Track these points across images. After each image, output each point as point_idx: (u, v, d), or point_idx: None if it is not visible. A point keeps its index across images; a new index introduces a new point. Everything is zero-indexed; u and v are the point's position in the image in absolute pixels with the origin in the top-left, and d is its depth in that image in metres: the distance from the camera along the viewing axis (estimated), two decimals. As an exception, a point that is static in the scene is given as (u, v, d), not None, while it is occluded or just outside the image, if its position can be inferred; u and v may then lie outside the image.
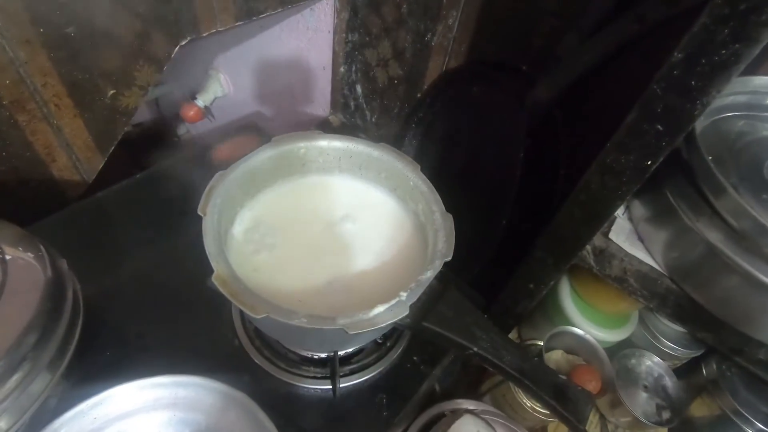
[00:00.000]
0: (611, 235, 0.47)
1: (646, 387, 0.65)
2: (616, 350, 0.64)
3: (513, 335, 0.69)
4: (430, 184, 0.49)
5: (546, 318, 0.65)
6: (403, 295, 0.39)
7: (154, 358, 0.46)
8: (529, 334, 0.67)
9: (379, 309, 0.38)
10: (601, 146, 0.41)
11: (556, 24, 0.58)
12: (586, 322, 0.61)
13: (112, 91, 0.60)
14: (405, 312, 0.38)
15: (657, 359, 0.66)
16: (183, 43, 0.64)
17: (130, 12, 0.56)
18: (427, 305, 0.41)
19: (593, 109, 0.49)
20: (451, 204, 0.46)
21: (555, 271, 0.47)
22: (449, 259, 0.42)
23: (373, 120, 0.96)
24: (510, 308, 0.56)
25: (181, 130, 1.47)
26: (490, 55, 0.69)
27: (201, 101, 1.23)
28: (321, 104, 1.05)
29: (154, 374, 0.42)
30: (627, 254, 0.46)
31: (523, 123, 0.54)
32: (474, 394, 0.59)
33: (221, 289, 0.36)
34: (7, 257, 0.38)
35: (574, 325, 0.61)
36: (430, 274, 0.41)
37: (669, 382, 0.64)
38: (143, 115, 1.42)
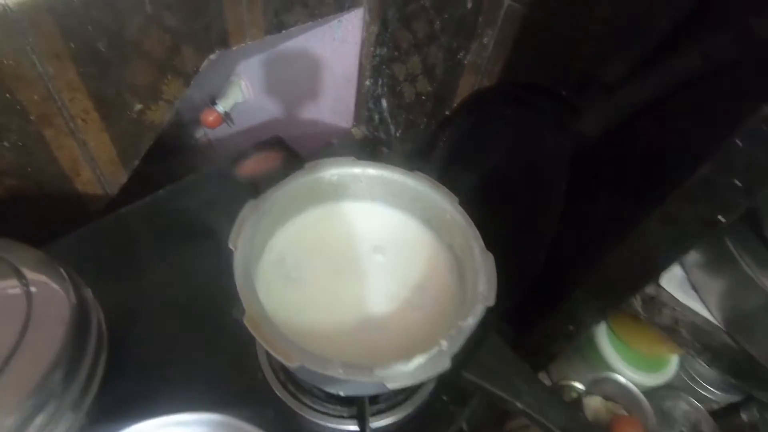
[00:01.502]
0: (662, 282, 0.44)
1: (683, 433, 0.62)
2: (650, 391, 0.61)
3: (542, 373, 0.66)
4: (469, 219, 0.47)
5: (580, 356, 0.62)
6: (444, 344, 0.37)
7: (175, 390, 0.45)
8: (561, 372, 0.64)
9: (419, 360, 0.35)
10: (652, 189, 0.38)
11: (600, 48, 0.55)
12: (624, 364, 0.59)
13: (139, 106, 0.58)
14: (447, 365, 0.35)
15: (695, 403, 0.62)
16: (212, 56, 0.62)
17: (161, 26, 0.54)
18: (467, 352, 0.39)
19: (642, 147, 0.46)
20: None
21: (599, 316, 0.45)
22: (492, 304, 0.40)
23: (398, 135, 0.94)
24: (544, 347, 0.53)
25: (199, 133, 1.46)
26: (526, 77, 0.66)
27: (221, 107, 1.21)
28: (344, 116, 1.03)
29: (175, 410, 0.40)
30: (679, 303, 0.43)
31: (566, 153, 0.51)
32: (500, 432, 0.57)
33: (253, 333, 0.34)
34: (32, 289, 0.37)
35: (610, 366, 0.58)
36: (471, 321, 0.38)
37: (707, 428, 0.61)
38: (162, 117, 1.40)
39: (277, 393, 0.47)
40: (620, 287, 0.41)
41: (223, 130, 1.36)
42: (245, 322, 0.35)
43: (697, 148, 0.33)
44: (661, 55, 0.44)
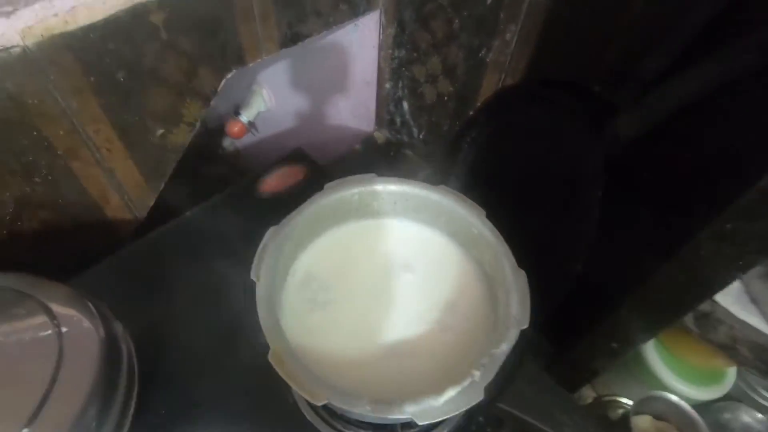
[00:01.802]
0: (717, 297, 0.40)
1: (742, 447, 0.57)
2: (705, 404, 0.57)
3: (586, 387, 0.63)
4: (498, 234, 0.44)
5: (626, 370, 0.59)
6: (476, 374, 0.35)
7: (206, 420, 0.45)
8: (607, 386, 0.61)
9: (450, 393, 0.34)
10: (701, 199, 0.35)
11: (636, 39, 0.51)
12: (675, 378, 0.55)
13: (161, 131, 0.59)
14: (480, 397, 0.34)
15: (756, 414, 0.58)
16: (228, 75, 0.62)
17: (177, 51, 0.54)
18: (502, 381, 0.37)
19: (687, 151, 0.42)
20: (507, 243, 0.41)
21: (646, 334, 0.42)
22: (526, 326, 0.38)
23: (421, 137, 0.91)
24: (585, 363, 0.50)
25: (226, 142, 1.49)
26: (553, 74, 0.62)
27: (245, 117, 1.22)
28: (366, 120, 1.01)
29: (208, 440, 0.41)
30: (737, 320, 0.39)
31: (600, 156, 0.48)
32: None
33: (279, 371, 0.34)
34: (63, 328, 0.37)
35: (660, 380, 0.55)
36: (505, 348, 0.36)
37: (769, 441, 0.57)
38: (189, 130, 1.43)
39: (308, 418, 0.46)
40: (669, 306, 0.38)
41: (249, 139, 1.37)
42: (270, 359, 0.34)
43: (755, 155, 0.29)
44: (710, 45, 0.39)
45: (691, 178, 0.41)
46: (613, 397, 0.58)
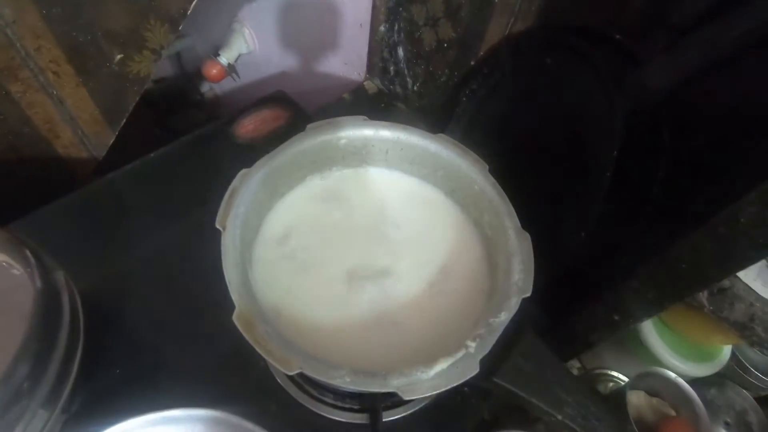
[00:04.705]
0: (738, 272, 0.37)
1: (728, 424, 0.56)
2: (693, 380, 0.55)
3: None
4: (502, 191, 0.39)
5: (619, 342, 0.56)
6: (471, 346, 0.31)
7: (167, 384, 0.40)
8: (594, 359, 0.58)
9: (442, 366, 0.30)
10: (737, 160, 0.30)
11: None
12: (671, 353, 0.52)
13: (119, 56, 0.51)
14: (475, 370, 0.30)
15: (743, 391, 0.56)
16: (201, -4, 0.54)
17: (137, -43, 0.46)
18: (499, 354, 0.33)
19: (722, 109, 0.37)
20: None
21: (655, 308, 0.38)
22: (528, 294, 0.34)
23: (415, 88, 0.84)
24: (582, 335, 0.47)
25: (204, 87, 1.39)
26: (570, 18, 0.56)
27: (224, 58, 1.12)
28: (356, 67, 0.93)
29: (166, 406, 0.36)
30: (759, 297, 0.36)
31: (620, 112, 0.43)
32: (525, 421, 0.52)
33: (245, 334, 0.29)
34: (-11, 276, 0.32)
35: (654, 355, 0.52)
36: (504, 317, 0.32)
37: (754, 418, 0.56)
38: (165, 70, 1.33)
39: (281, 383, 0.42)
40: (689, 279, 0.34)
41: (229, 84, 1.28)
42: (234, 319, 0.29)
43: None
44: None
45: (725, 140, 0.36)
46: (603, 371, 0.56)
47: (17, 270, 0.34)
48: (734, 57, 0.38)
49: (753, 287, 0.37)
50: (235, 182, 0.35)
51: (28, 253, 0.35)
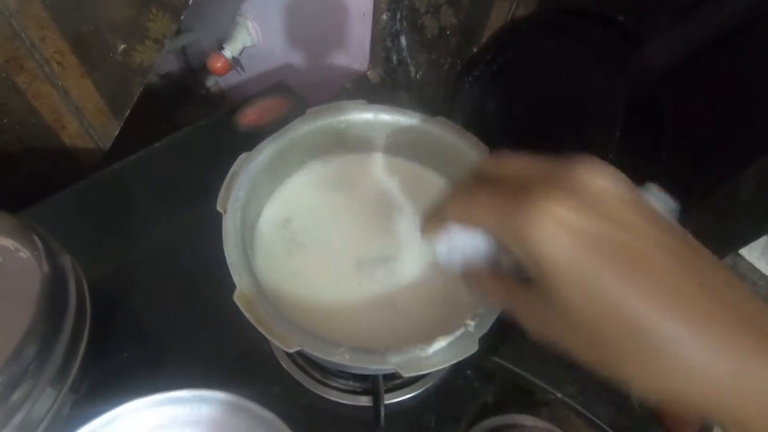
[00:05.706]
0: (741, 250, 0.36)
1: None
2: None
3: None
4: (503, 174, 0.39)
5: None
6: (471, 324, 0.31)
7: (173, 366, 0.41)
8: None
9: (441, 343, 0.30)
10: (736, 137, 0.29)
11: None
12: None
13: (122, 46, 0.51)
14: (474, 349, 0.30)
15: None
16: (202, -15, 0.54)
17: (137, -54, 0.46)
18: (499, 335, 0.33)
19: (727, 90, 0.36)
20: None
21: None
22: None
23: (418, 77, 0.84)
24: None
25: (210, 81, 1.40)
26: (572, 2, 0.55)
27: (228, 52, 1.13)
28: (359, 57, 0.93)
29: (172, 387, 0.37)
30: (762, 275, 0.36)
31: (622, 94, 0.42)
32: (529, 406, 0.53)
33: (246, 313, 0.29)
34: (-2, 259, 0.32)
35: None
36: (504, 297, 0.32)
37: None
38: (170, 65, 1.34)
39: (285, 366, 0.43)
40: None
41: (234, 78, 1.28)
42: (235, 299, 0.30)
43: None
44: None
45: (726, 120, 0.35)
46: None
47: (25, 254, 0.34)
48: (735, 32, 0.37)
49: (757, 266, 0.36)
50: (235, 166, 0.36)
51: (35, 237, 0.35)
